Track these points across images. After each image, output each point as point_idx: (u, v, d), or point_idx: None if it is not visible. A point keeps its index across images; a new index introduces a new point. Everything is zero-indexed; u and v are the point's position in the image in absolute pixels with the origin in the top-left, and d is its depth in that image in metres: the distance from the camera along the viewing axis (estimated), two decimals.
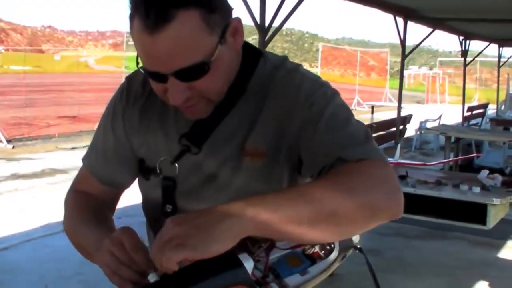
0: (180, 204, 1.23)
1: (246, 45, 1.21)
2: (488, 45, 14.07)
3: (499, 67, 16.74)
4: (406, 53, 9.36)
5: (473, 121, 12.43)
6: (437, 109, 17.75)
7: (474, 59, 14.64)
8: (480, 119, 12.72)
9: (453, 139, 7.92)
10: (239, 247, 0.94)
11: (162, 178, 1.22)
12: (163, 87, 1.09)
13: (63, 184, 7.35)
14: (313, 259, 1.13)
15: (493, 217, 3.60)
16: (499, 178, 4.05)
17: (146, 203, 1.33)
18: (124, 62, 13.89)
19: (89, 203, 1.27)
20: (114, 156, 1.28)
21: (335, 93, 1.18)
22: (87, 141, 10.98)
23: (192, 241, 0.87)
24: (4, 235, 5.30)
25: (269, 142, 1.18)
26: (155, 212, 1.27)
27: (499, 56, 16.15)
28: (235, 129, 1.19)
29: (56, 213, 5.95)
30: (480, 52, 14.50)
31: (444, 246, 5.42)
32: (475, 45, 13.32)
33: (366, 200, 0.97)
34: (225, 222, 0.89)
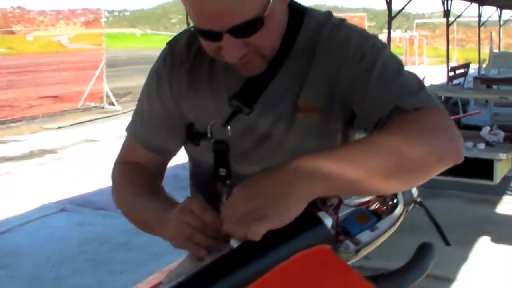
0: (233, 167, 1.21)
1: (290, 1, 1.18)
2: (470, 4, 14.08)
3: (479, 26, 16.79)
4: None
5: (455, 81, 12.49)
6: (416, 71, 17.73)
7: (456, 19, 14.69)
8: (462, 79, 12.77)
9: (443, 99, 7.95)
10: (309, 206, 0.93)
11: (213, 142, 1.20)
12: (216, 45, 1.06)
13: (53, 164, 7.30)
14: (378, 215, 1.11)
15: (499, 172, 3.64)
16: (501, 133, 4.08)
17: (196, 169, 1.32)
18: (104, 39, 13.65)
19: (139, 174, 1.25)
20: (162, 123, 1.25)
21: (384, 45, 1.17)
22: (72, 119, 10.94)
23: (271, 212, 0.86)
24: (0, 218, 5.24)
25: (322, 98, 1.17)
26: (207, 177, 1.25)
27: (479, 16, 16.22)
28: (286, 87, 1.18)
29: (50, 193, 5.91)
30: (463, 12, 14.52)
31: (440, 204, 5.46)
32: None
33: (431, 147, 0.97)
34: (298, 185, 0.88)
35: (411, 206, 1.19)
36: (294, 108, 1.18)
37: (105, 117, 11.08)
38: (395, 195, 1.16)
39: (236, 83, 1.18)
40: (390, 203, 1.15)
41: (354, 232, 1.05)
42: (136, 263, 4.28)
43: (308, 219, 0.93)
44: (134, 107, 1.33)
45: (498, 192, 5.55)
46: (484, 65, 15.55)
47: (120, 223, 5.07)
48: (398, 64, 1.14)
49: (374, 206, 1.14)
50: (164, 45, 1.28)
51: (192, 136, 1.25)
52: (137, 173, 1.25)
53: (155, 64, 1.28)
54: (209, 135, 1.20)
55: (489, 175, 3.61)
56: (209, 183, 1.24)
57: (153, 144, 1.26)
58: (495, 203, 5.48)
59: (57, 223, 5.20)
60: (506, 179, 5.04)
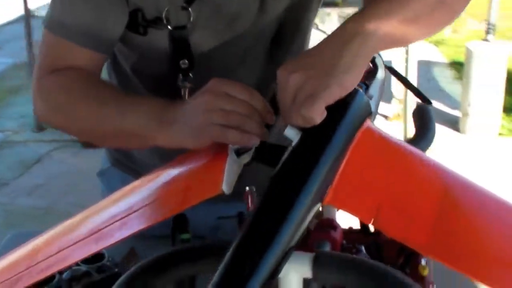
0: (197, 55, 1.02)
1: None
2: None
3: None
4: None
5: None
6: None
7: None
8: None
9: None
10: None
11: (171, 29, 0.99)
12: None
13: None
14: (363, 83, 1.04)
15: None
16: None
17: (138, 64, 1.09)
18: None
19: (88, 79, 0.99)
20: (101, 9, 0.98)
21: None
22: None
23: (327, 80, 0.73)
24: None
25: None
26: (158, 71, 1.05)
27: None
28: None
29: None
30: None
31: None
32: None
33: None
34: (354, 42, 0.76)
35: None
36: None
37: None
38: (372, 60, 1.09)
39: None
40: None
41: None
42: None
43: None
44: None
45: None
46: None
47: None
48: None
49: None
50: None
51: (137, 25, 1.00)
52: (86, 77, 0.98)
53: None
54: (165, 22, 0.97)
55: None
56: (161, 78, 1.04)
57: (91, 38, 0.98)
58: None
59: None
60: None
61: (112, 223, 0.80)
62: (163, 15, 0.97)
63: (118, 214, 0.82)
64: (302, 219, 0.66)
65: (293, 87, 0.74)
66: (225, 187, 0.72)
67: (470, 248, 0.69)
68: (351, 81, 0.75)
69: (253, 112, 0.79)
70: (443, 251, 0.68)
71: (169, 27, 0.98)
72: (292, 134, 0.75)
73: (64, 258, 0.81)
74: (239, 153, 0.78)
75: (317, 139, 0.73)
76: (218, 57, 1.05)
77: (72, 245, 0.82)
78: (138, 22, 0.99)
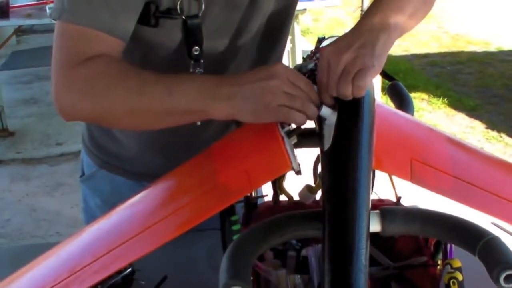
0: (204, 45, 1.07)
1: None
2: None
3: None
4: None
5: None
6: None
7: None
8: None
9: None
10: None
11: (185, 18, 1.04)
12: None
13: None
14: None
15: None
16: None
17: (147, 55, 1.11)
18: None
19: (123, 62, 0.98)
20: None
21: None
22: None
23: (372, 62, 0.87)
24: None
25: None
26: (170, 60, 1.09)
27: None
28: None
29: None
30: None
31: None
32: None
33: None
34: (383, 36, 0.91)
35: None
36: None
37: None
38: None
39: None
40: None
41: None
42: None
43: None
44: None
45: None
46: None
47: None
48: None
49: None
50: None
51: (148, 17, 1.03)
52: (119, 61, 0.98)
53: None
54: (179, 12, 1.02)
55: None
56: (171, 67, 1.08)
57: (117, 27, 0.97)
58: None
59: None
60: None
61: (168, 216, 0.84)
62: (178, 6, 1.02)
63: (171, 205, 0.86)
64: (369, 184, 0.75)
65: (345, 62, 0.86)
66: (295, 165, 0.81)
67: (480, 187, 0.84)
68: (383, 63, 0.90)
69: (311, 98, 0.88)
70: (463, 194, 0.83)
71: (183, 16, 1.03)
72: (327, 113, 0.85)
73: (122, 255, 0.83)
74: (288, 135, 0.87)
75: (355, 114, 0.84)
76: (221, 44, 1.11)
77: (125, 242, 0.84)
78: (150, 14, 1.02)
